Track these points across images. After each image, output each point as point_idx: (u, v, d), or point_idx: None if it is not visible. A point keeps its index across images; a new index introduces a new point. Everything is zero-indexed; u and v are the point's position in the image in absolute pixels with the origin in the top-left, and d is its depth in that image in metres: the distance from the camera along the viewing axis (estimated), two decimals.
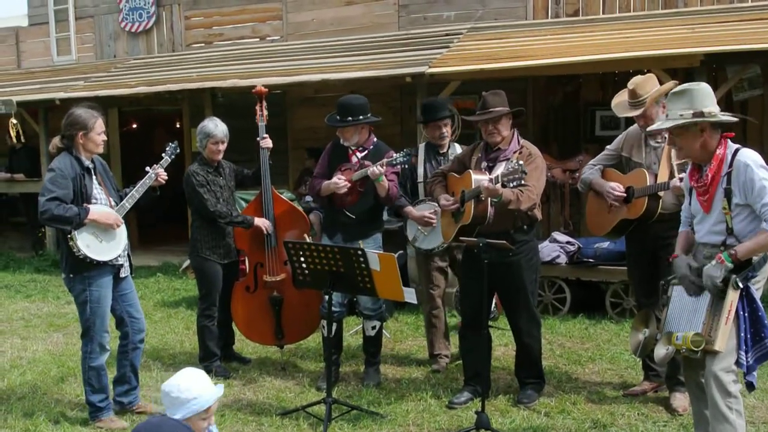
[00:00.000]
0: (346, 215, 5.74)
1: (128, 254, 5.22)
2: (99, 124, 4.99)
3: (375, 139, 5.89)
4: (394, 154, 5.63)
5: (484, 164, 5.24)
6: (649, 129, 4.95)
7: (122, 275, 5.15)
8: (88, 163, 5.00)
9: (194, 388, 3.14)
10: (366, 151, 5.80)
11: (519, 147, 5.23)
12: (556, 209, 9.02)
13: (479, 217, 5.11)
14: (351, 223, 5.73)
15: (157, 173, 5.29)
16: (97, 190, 5.02)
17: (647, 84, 5.11)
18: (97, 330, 5.03)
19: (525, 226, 5.22)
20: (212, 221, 6.02)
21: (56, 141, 5.05)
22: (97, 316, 5.01)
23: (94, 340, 5.04)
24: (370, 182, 5.67)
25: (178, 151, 5.73)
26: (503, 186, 4.86)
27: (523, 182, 4.83)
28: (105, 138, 5.08)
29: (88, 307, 4.99)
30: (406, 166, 5.84)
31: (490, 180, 4.94)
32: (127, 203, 5.12)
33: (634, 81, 5.16)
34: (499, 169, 5.07)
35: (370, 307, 5.81)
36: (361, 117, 5.71)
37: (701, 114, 3.87)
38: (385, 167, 5.57)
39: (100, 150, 5.06)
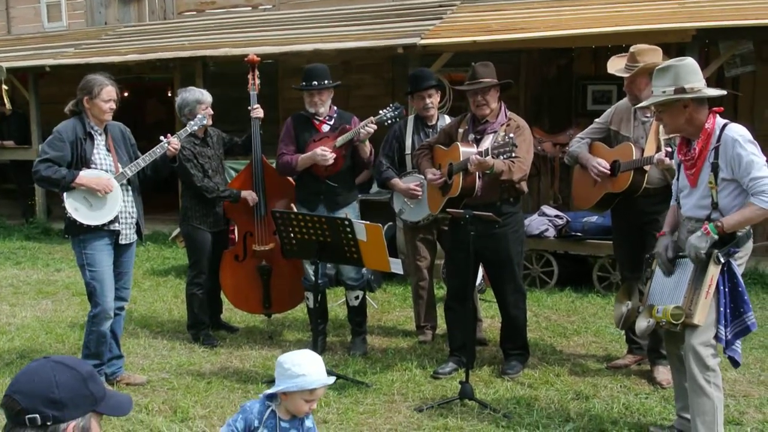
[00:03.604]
0: (328, 184, 5.74)
1: (137, 222, 5.22)
2: (107, 92, 4.98)
3: (335, 107, 5.91)
4: (381, 112, 5.63)
5: (471, 136, 5.24)
6: (635, 107, 4.94)
7: (122, 242, 5.14)
8: (96, 128, 5.03)
9: (305, 365, 3.10)
10: (333, 119, 5.82)
11: (507, 120, 5.23)
12: (546, 183, 9.04)
13: (467, 189, 5.12)
14: (334, 192, 5.74)
15: (170, 142, 5.28)
16: (100, 156, 5.04)
17: (648, 54, 5.03)
18: (99, 294, 5.03)
19: (511, 199, 5.24)
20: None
21: (70, 105, 5.09)
22: (96, 280, 5.01)
23: (97, 305, 5.04)
24: (348, 147, 5.71)
25: (204, 122, 5.74)
26: (494, 158, 4.88)
27: (513, 155, 4.85)
28: (113, 106, 5.06)
29: (87, 271, 5.02)
30: (397, 120, 5.82)
31: (480, 153, 4.95)
32: (129, 170, 5.10)
33: (638, 46, 5.12)
34: (487, 142, 5.08)
35: (353, 276, 5.83)
36: (332, 81, 5.77)
37: (683, 90, 3.87)
38: (375, 126, 5.57)
39: (107, 117, 5.07)
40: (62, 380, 2.03)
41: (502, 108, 5.27)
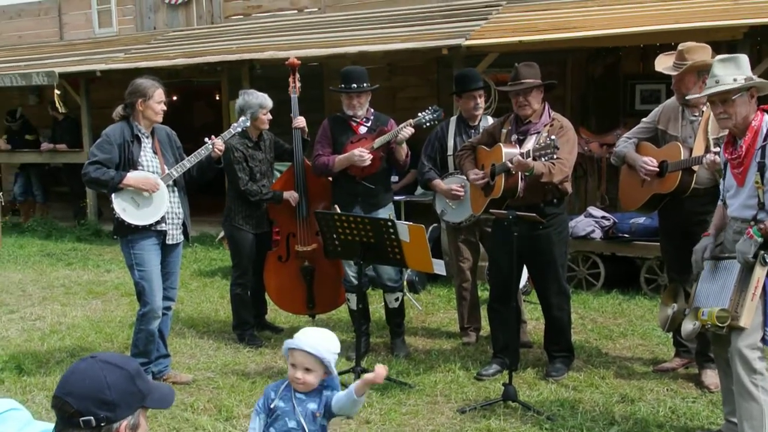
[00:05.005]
0: (365, 186, 5.76)
1: (183, 223, 5.32)
2: (159, 94, 5.13)
3: (372, 110, 5.92)
4: (419, 114, 5.63)
5: (514, 137, 5.20)
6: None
7: (169, 242, 5.24)
8: (143, 131, 5.14)
9: (300, 334, 3.14)
10: (370, 121, 5.84)
11: (550, 120, 5.19)
12: (593, 184, 8.93)
13: (509, 191, 5.09)
14: (370, 193, 5.76)
15: (215, 144, 5.36)
16: (147, 158, 5.15)
17: (697, 51, 4.94)
18: (148, 294, 5.14)
19: (555, 200, 5.19)
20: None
21: (119, 109, 5.21)
22: (145, 279, 5.13)
23: (146, 305, 5.15)
24: (385, 148, 5.72)
25: (247, 124, 5.81)
26: (534, 160, 4.84)
27: (556, 156, 4.80)
28: (164, 108, 5.20)
29: (135, 271, 5.14)
30: (436, 123, 5.81)
31: (521, 154, 4.91)
32: (175, 171, 5.22)
33: (687, 44, 5.02)
34: (530, 143, 5.04)
35: (393, 278, 5.83)
36: (370, 84, 5.80)
37: (752, 79, 3.83)
38: (413, 128, 5.58)
39: (159, 119, 5.20)
40: (113, 381, 2.06)
41: (546, 108, 5.22)
